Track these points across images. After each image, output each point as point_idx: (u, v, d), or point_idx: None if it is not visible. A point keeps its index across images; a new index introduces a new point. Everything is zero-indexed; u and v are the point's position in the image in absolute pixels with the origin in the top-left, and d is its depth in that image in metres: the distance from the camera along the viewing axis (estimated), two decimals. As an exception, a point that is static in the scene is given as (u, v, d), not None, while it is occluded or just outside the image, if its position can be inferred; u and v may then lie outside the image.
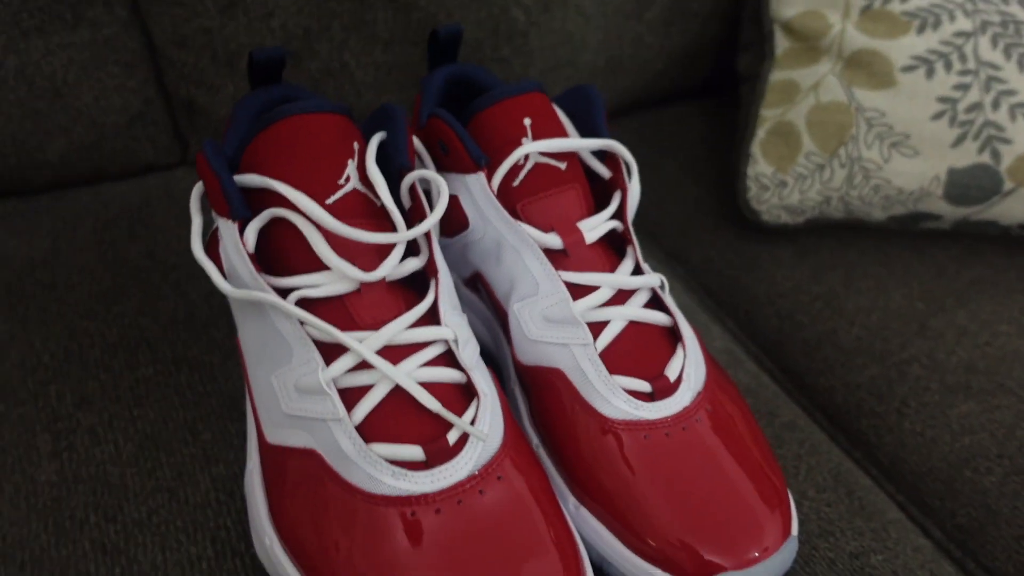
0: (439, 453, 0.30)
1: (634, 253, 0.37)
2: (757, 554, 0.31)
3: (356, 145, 0.35)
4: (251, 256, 0.32)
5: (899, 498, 0.44)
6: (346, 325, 0.32)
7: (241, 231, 0.32)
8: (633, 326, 0.35)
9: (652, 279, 0.36)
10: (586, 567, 0.30)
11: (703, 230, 0.59)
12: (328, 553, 0.29)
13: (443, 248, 0.40)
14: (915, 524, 0.43)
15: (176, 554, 0.34)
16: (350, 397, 0.31)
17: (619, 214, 0.38)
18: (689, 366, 0.35)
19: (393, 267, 0.33)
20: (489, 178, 0.36)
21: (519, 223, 0.36)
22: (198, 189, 0.34)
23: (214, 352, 0.43)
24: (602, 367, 0.33)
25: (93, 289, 0.46)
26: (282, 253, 0.33)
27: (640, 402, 0.33)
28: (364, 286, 0.32)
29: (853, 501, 0.39)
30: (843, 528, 0.38)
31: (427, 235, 0.34)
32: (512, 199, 0.37)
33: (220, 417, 0.39)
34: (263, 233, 0.33)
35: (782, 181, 0.53)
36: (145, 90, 0.52)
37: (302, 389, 0.31)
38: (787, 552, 0.31)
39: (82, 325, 0.44)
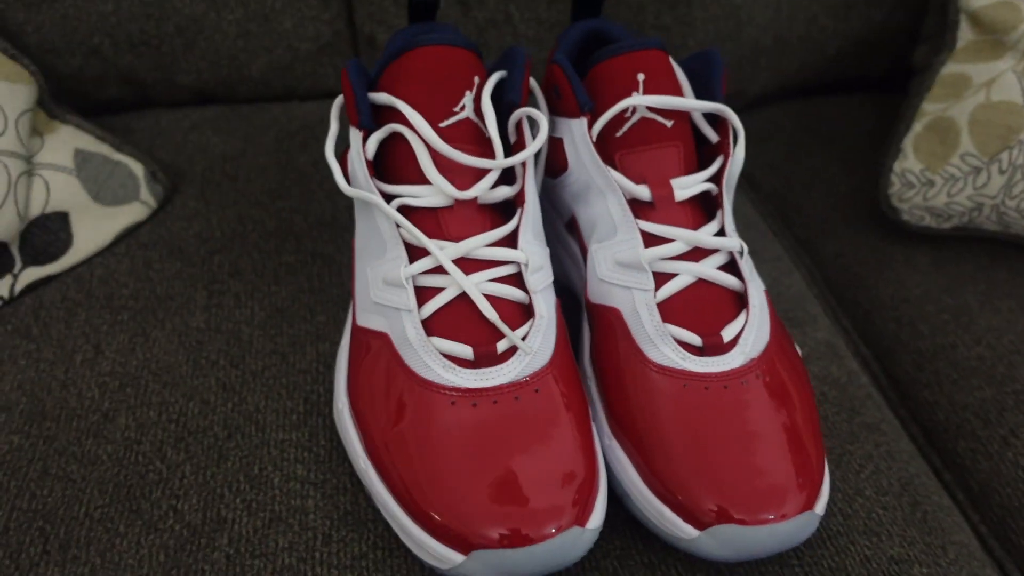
0: (486, 357, 0.33)
1: (721, 216, 0.38)
2: (770, 516, 0.31)
3: (476, 79, 0.38)
4: (368, 162, 0.37)
5: (981, 528, 0.41)
6: (433, 233, 0.36)
7: (364, 140, 0.37)
8: (701, 284, 0.36)
9: (731, 242, 0.37)
10: (601, 483, 0.33)
11: (840, 223, 0.57)
12: (380, 422, 0.34)
13: (547, 188, 0.43)
14: (990, 556, 0.40)
15: (275, 403, 0.40)
16: (423, 295, 0.35)
17: (717, 178, 0.39)
18: (749, 332, 0.35)
19: (485, 190, 0.36)
20: (591, 125, 0.38)
21: (609, 169, 0.38)
22: (338, 101, 0.40)
23: (344, 252, 0.49)
24: (656, 314, 0.35)
25: (265, 185, 0.54)
26: (395, 164, 0.38)
27: (688, 354, 0.34)
28: (457, 203, 0.36)
29: (915, 512, 0.38)
30: (892, 533, 0.36)
31: (523, 167, 0.38)
32: (612, 148, 0.39)
33: (335, 305, 0.46)
34: (383, 145, 0.38)
35: (930, 180, 0.49)
36: (336, 23, 0.59)
37: (387, 281, 0.36)
38: (801, 525, 0.32)
39: (250, 212, 0.52)
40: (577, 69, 0.46)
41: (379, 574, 0.33)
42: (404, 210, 0.37)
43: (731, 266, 0.38)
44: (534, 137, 0.40)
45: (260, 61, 0.60)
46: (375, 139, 0.37)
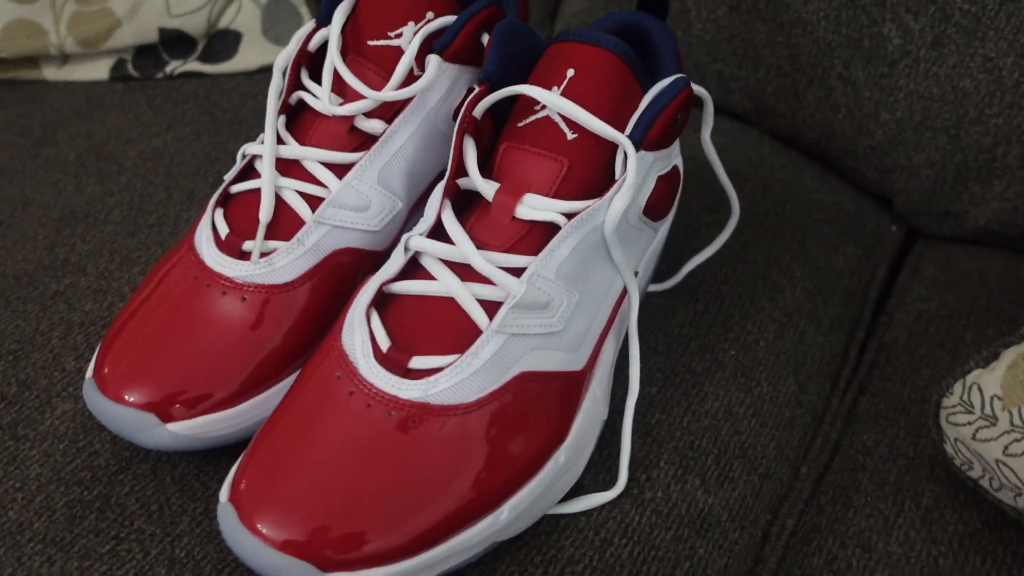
0: (230, 247, 0.35)
1: (548, 258, 0.31)
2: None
3: (430, 15, 0.37)
4: (302, 51, 0.39)
5: None
6: (301, 135, 0.37)
7: (313, 32, 0.39)
8: (446, 301, 0.31)
9: (507, 282, 0.30)
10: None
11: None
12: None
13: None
14: None
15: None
16: (249, 174, 0.37)
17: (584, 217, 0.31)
18: (449, 376, 0.29)
19: (354, 111, 0.36)
20: (479, 97, 0.33)
21: (469, 149, 0.33)
22: None
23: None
24: (371, 292, 0.31)
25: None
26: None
27: (371, 352, 0.30)
28: (334, 116, 0.36)
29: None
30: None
31: (408, 112, 0.36)
32: (506, 135, 0.34)
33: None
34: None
35: (994, 416, 0.31)
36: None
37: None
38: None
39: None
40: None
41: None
42: (300, 105, 0.38)
43: (489, 305, 0.31)
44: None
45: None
46: (320, 35, 0.39)
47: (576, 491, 0.35)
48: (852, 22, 0.45)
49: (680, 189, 0.42)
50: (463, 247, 0.31)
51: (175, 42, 0.59)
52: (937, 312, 0.46)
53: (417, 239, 0.32)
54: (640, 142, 0.32)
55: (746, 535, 0.37)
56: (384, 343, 0.31)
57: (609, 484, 0.35)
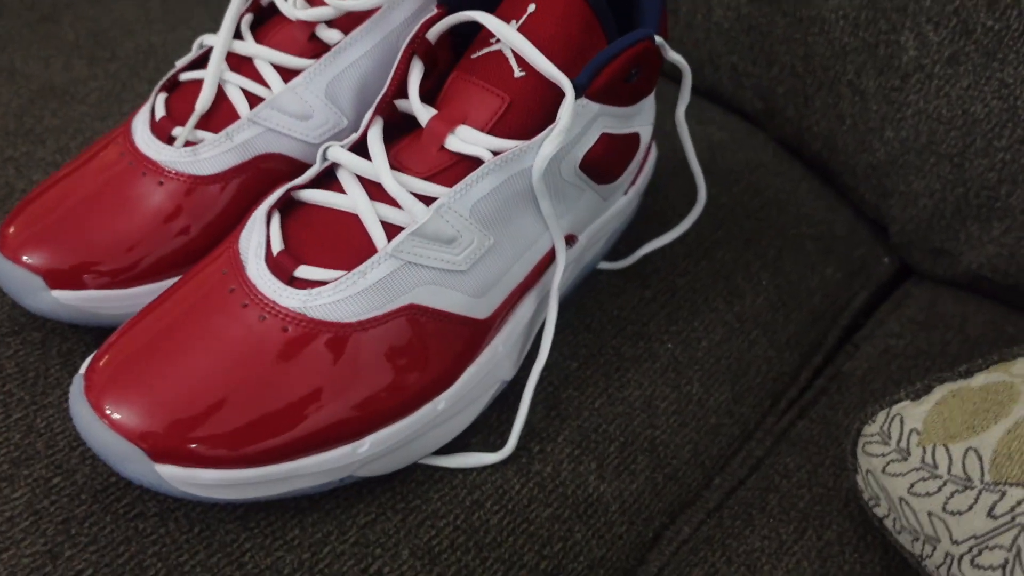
0: (160, 130, 0.34)
1: (463, 190, 0.29)
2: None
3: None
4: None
5: None
6: (262, 35, 0.36)
7: None
8: (348, 217, 0.29)
9: (415, 209, 0.28)
10: None
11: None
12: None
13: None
14: None
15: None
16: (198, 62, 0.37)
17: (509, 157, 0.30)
18: (333, 291, 0.28)
19: (313, 16, 0.34)
20: (432, 22, 0.32)
21: (415, 71, 0.32)
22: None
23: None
24: (278, 195, 0.30)
25: None
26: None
27: (262, 256, 0.29)
28: (295, 20, 0.35)
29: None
30: None
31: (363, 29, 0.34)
32: (460, 66, 0.32)
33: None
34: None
35: (907, 451, 0.28)
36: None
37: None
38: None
39: None
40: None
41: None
42: (272, 7, 0.37)
43: (393, 230, 0.29)
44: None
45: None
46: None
47: (459, 447, 0.33)
48: (871, 25, 0.42)
49: (643, 162, 0.40)
50: (377, 164, 0.30)
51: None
52: (905, 351, 0.43)
53: (335, 149, 0.31)
54: (583, 88, 0.30)
55: (634, 532, 0.35)
56: (277, 247, 0.29)
57: (497, 448, 0.34)
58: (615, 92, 0.31)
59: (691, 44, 0.52)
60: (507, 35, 0.30)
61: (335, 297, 0.28)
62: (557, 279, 0.33)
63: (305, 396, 0.28)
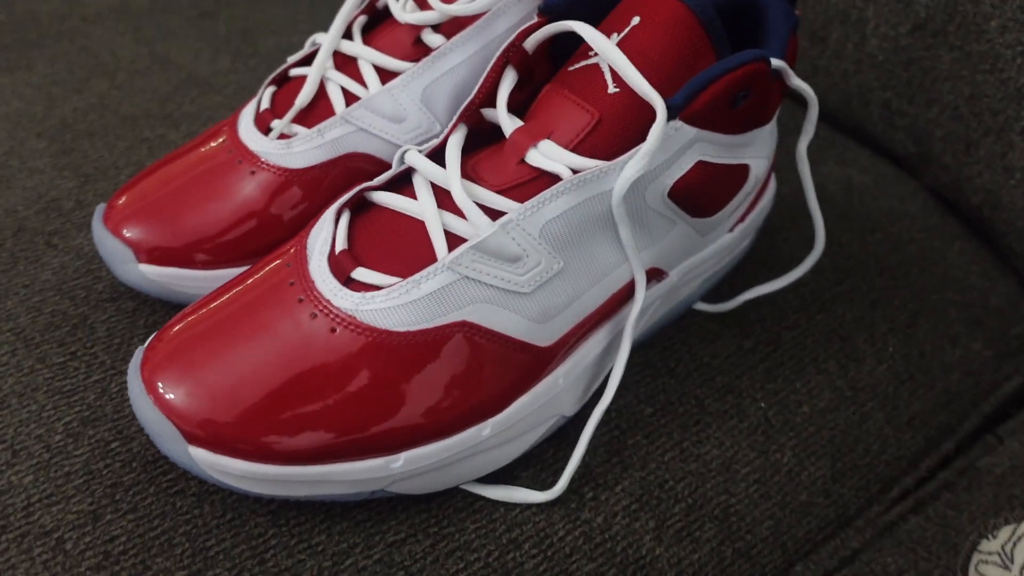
0: (261, 122, 0.35)
1: (533, 207, 0.27)
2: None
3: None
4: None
5: None
6: (371, 39, 0.36)
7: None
8: (419, 225, 0.28)
9: (479, 221, 0.27)
10: None
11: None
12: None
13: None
14: None
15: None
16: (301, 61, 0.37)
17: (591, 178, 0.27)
18: (390, 296, 0.26)
19: (418, 19, 0.34)
20: (532, 29, 0.30)
21: (496, 71, 0.30)
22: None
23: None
24: (352, 191, 0.30)
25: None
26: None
27: (325, 257, 0.28)
28: (403, 23, 0.35)
29: None
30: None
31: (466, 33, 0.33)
32: (555, 78, 0.30)
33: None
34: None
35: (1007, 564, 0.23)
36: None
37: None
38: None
39: None
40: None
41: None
42: (386, 11, 0.37)
43: (458, 241, 0.28)
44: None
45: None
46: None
47: (505, 478, 0.31)
48: None
49: (755, 198, 0.36)
50: (449, 171, 0.28)
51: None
52: (1060, 453, 0.36)
53: (412, 153, 0.30)
54: (677, 109, 0.27)
55: (688, 607, 0.31)
56: (340, 246, 0.29)
57: (547, 487, 0.31)
58: (717, 117, 0.28)
59: (839, 75, 0.47)
60: (603, 47, 0.28)
61: (387, 304, 0.27)
62: (633, 315, 0.30)
63: (341, 401, 0.27)
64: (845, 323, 0.39)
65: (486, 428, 0.29)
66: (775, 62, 0.30)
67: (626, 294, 0.31)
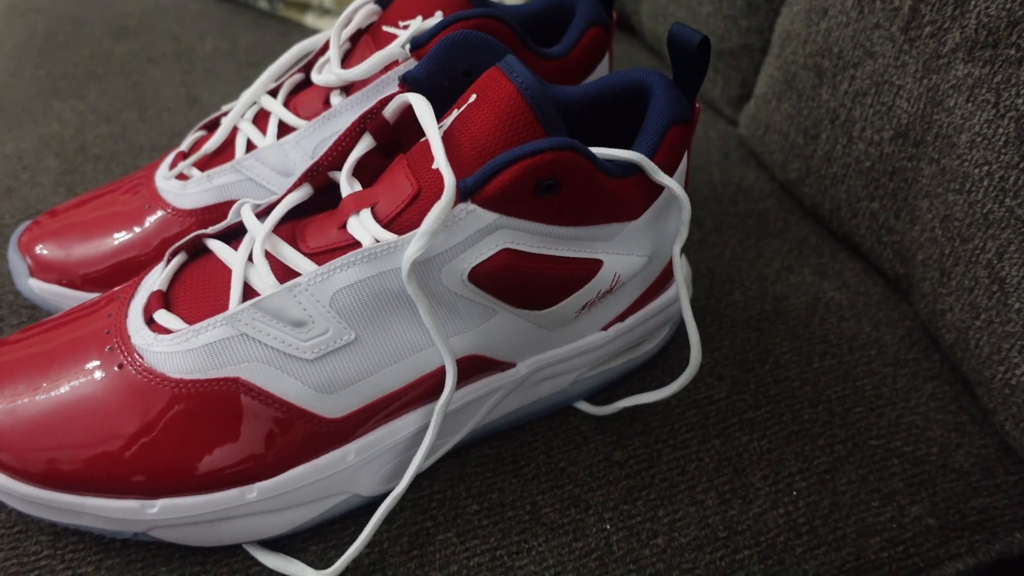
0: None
1: (309, 274, 0.26)
2: None
3: (439, 14, 0.34)
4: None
5: None
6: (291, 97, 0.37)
7: None
8: (229, 274, 0.28)
9: (267, 284, 0.26)
10: None
11: None
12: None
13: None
14: None
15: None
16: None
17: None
18: (173, 344, 0.27)
19: (325, 82, 0.35)
20: (387, 100, 0.29)
21: (348, 134, 0.30)
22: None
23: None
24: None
25: None
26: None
27: (146, 294, 0.29)
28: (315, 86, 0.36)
29: None
30: None
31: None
32: (412, 147, 0.30)
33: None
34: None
35: None
36: None
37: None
38: None
39: None
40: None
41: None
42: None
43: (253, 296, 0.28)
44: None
45: None
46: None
47: (292, 546, 0.30)
48: (1022, 192, 0.30)
49: (639, 299, 0.32)
50: (263, 227, 0.28)
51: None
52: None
53: (245, 207, 0.30)
54: (468, 192, 0.25)
55: None
56: (160, 286, 0.30)
57: (327, 565, 0.29)
58: (521, 204, 0.26)
59: (829, 179, 0.43)
60: (425, 121, 0.27)
61: (168, 348, 0.27)
62: (440, 402, 0.28)
63: (103, 435, 0.27)
64: (745, 454, 0.34)
65: (252, 491, 0.28)
66: (631, 155, 0.28)
67: (441, 379, 0.29)
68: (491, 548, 0.31)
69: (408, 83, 0.30)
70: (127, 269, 0.35)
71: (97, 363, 0.28)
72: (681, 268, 0.31)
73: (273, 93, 0.38)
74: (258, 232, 0.28)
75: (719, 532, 0.32)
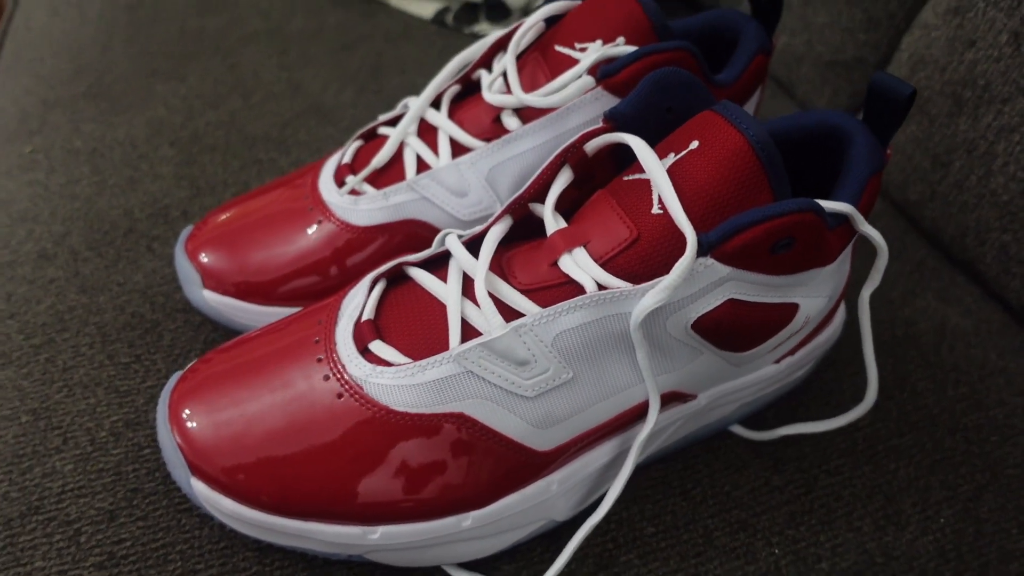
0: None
1: (535, 316, 0.27)
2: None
3: (622, 40, 0.34)
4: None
5: None
6: (455, 111, 0.37)
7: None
8: (443, 308, 0.29)
9: (493, 324, 0.27)
10: None
11: None
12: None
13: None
14: None
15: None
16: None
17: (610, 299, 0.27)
18: (397, 378, 0.27)
19: (500, 102, 0.35)
20: (595, 133, 0.30)
21: (550, 168, 0.31)
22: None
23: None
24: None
25: None
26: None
27: (353, 321, 0.30)
28: (484, 99, 0.36)
29: None
30: None
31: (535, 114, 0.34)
32: (612, 184, 0.30)
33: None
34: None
35: None
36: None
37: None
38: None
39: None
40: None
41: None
42: (477, 83, 0.38)
43: (474, 333, 0.28)
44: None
45: None
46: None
47: (487, 567, 0.31)
48: None
49: (811, 335, 0.34)
50: (478, 265, 0.29)
51: (495, 7, 0.63)
52: None
53: (452, 238, 0.31)
54: (711, 246, 0.26)
55: None
56: (368, 315, 0.30)
57: (526, 585, 0.31)
58: (755, 260, 0.27)
59: (957, 206, 0.44)
60: (651, 167, 0.28)
61: (393, 381, 0.28)
62: (642, 436, 0.30)
63: (331, 466, 0.28)
64: (895, 480, 0.36)
65: (467, 519, 0.29)
66: (843, 207, 0.29)
67: (639, 412, 0.30)
68: (671, 571, 0.32)
69: (614, 120, 0.30)
70: (306, 285, 0.35)
71: (318, 392, 0.29)
72: (867, 312, 0.32)
73: (434, 104, 0.38)
74: (476, 271, 0.29)
75: (876, 558, 0.34)
